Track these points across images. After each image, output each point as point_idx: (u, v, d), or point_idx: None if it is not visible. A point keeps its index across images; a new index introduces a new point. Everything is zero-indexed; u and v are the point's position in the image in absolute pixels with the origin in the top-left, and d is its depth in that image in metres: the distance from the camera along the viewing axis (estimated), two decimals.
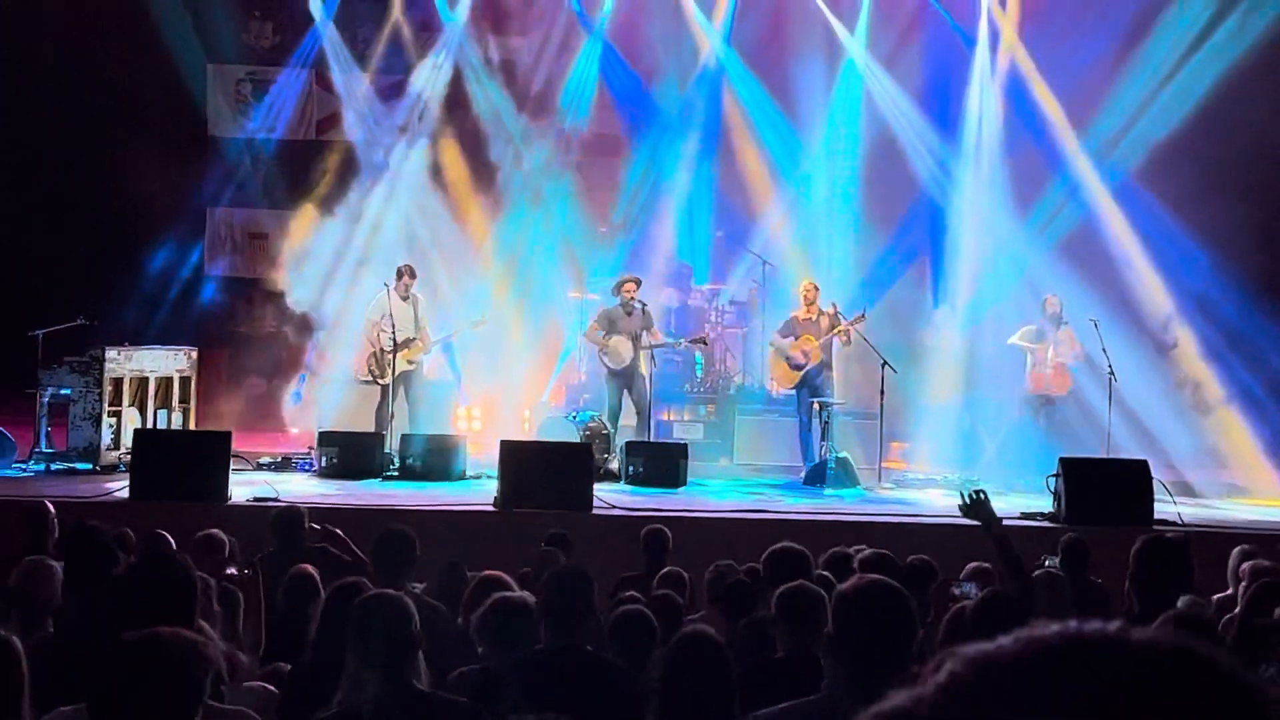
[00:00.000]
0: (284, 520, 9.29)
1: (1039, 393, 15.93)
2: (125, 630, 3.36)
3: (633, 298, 15.68)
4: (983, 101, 18.55)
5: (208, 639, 4.89)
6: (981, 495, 6.38)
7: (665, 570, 8.47)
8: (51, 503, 9.14)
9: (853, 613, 3.73)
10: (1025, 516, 12.92)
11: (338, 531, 9.74)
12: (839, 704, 3.72)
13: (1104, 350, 15.05)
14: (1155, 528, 11.07)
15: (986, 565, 8.60)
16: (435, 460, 14.35)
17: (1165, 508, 12.60)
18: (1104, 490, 12.54)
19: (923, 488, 15.27)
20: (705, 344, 17.44)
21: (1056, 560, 8.78)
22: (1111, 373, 14.96)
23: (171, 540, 7.79)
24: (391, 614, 4.57)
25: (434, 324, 16.30)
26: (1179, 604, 6.30)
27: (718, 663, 4.64)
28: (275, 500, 12.08)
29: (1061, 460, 12.92)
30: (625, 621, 5.75)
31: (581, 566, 6.08)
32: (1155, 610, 6.03)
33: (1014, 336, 16.15)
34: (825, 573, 7.51)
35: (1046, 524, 12.36)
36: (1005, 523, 12.48)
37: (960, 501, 6.38)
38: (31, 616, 5.93)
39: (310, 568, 7.56)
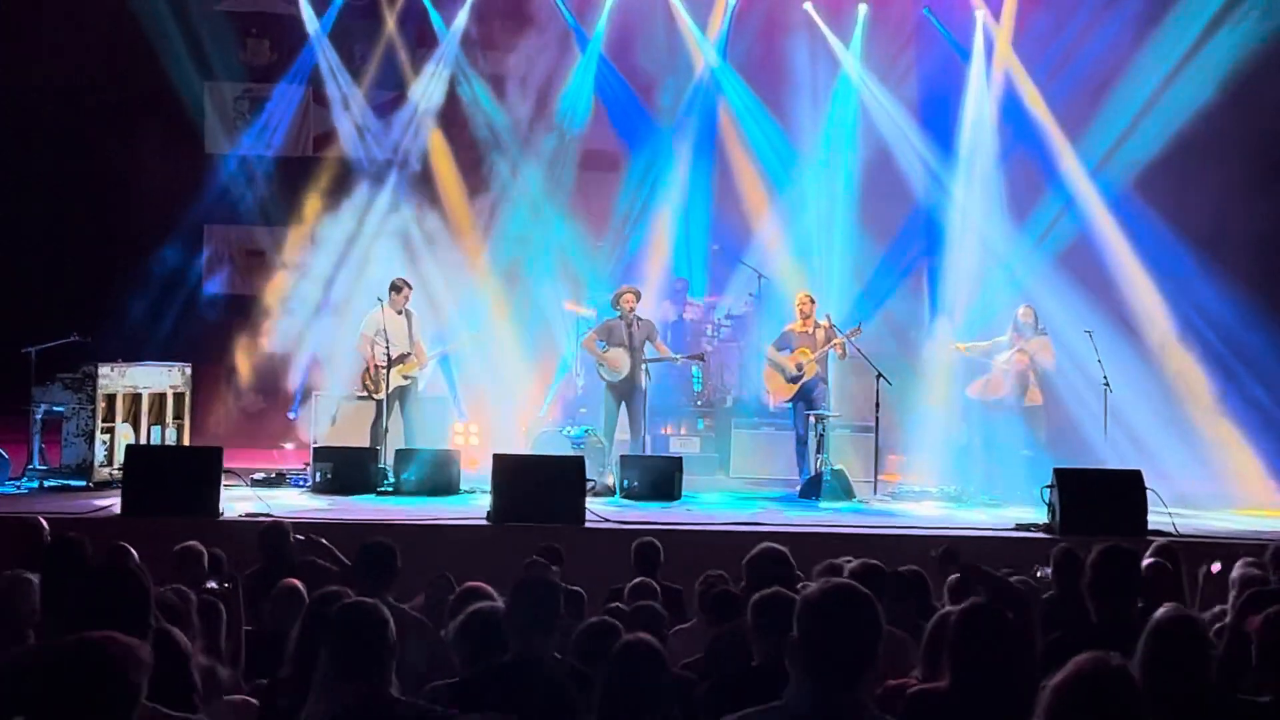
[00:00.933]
0: (270, 536, 9.28)
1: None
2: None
3: (632, 309, 15.67)
4: (978, 114, 18.54)
5: (183, 648, 4.87)
6: None
7: (636, 581, 8.43)
8: (44, 519, 9.12)
9: (815, 618, 3.70)
10: (1020, 528, 12.91)
11: (322, 541, 9.72)
12: (800, 711, 3.69)
13: (1099, 361, 15.01)
14: (1148, 537, 11.00)
15: (969, 574, 8.57)
16: (430, 475, 14.33)
17: (1160, 518, 12.58)
18: (1099, 501, 12.51)
19: (918, 500, 15.26)
20: (703, 360, 17.45)
21: (1049, 570, 8.72)
22: (1106, 383, 14.93)
23: (133, 552, 7.75)
24: (367, 622, 4.55)
25: (429, 339, 16.32)
26: (1164, 608, 6.27)
27: (652, 669, 4.64)
28: (267, 516, 12.07)
29: (1056, 471, 12.89)
30: (588, 632, 5.74)
31: (548, 576, 6.04)
32: (1114, 617, 6.01)
33: (974, 343, 16.24)
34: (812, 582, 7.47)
35: (1042, 535, 12.35)
36: (1000, 534, 12.58)
37: None
38: (11, 629, 5.92)
39: (297, 582, 7.53)
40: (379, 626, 4.52)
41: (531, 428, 17.10)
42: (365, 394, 15.76)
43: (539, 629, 5.46)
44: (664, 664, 4.74)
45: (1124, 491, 12.61)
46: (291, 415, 18.45)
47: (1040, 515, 12.93)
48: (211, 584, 7.18)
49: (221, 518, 12.15)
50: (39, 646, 3.44)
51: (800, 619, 3.73)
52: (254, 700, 5.80)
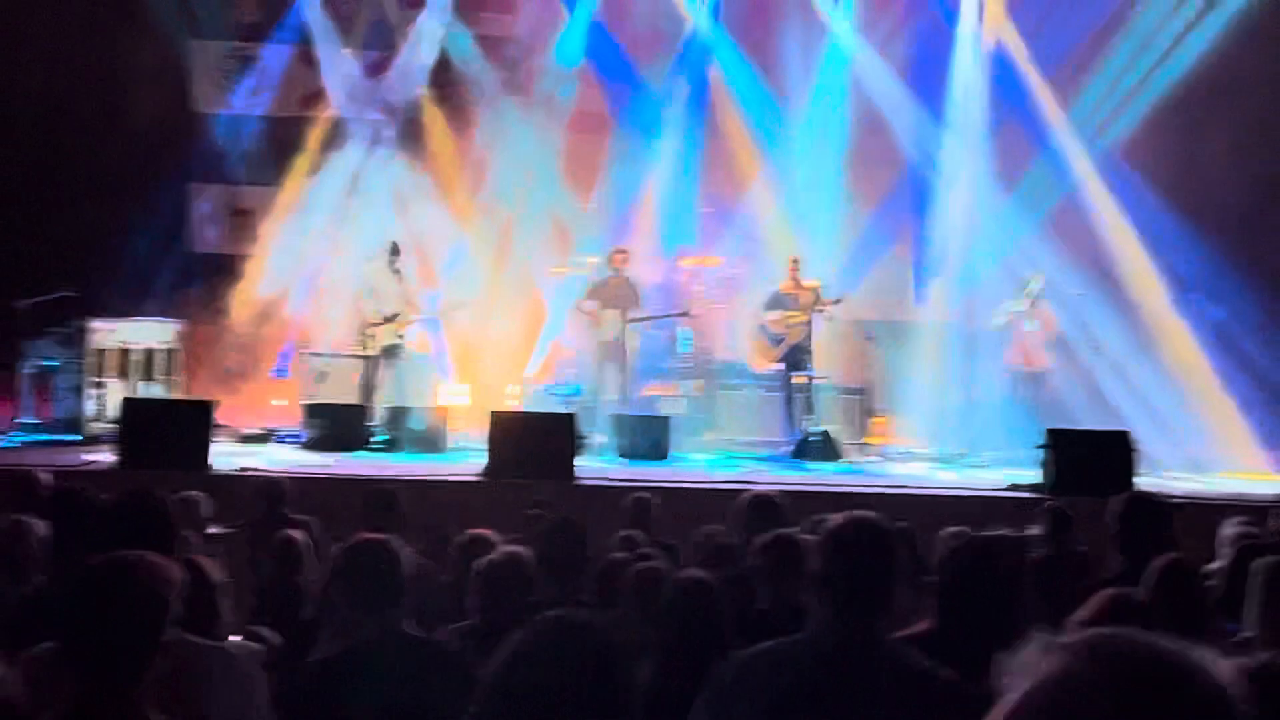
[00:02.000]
0: (267, 490, 9.32)
1: (1017, 365, 16.00)
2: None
3: (622, 269, 15.67)
4: (968, 77, 18.53)
5: (210, 578, 4.88)
6: None
7: (622, 533, 8.46)
8: (40, 471, 9.11)
9: (838, 550, 3.72)
10: (1014, 488, 12.95)
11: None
12: (823, 642, 3.71)
13: (1087, 323, 15.07)
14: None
15: (966, 529, 8.62)
16: (420, 433, 14.36)
17: (1151, 479, 12.63)
18: (1090, 461, 12.53)
19: (906, 461, 15.32)
20: (688, 315, 17.44)
21: (1040, 530, 8.77)
22: (1096, 345, 14.99)
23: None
24: (382, 557, 4.56)
25: (420, 298, 16.34)
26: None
27: (710, 605, 4.66)
28: (258, 470, 12.09)
29: (1049, 431, 12.93)
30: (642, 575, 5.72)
31: (575, 520, 6.06)
32: (1142, 568, 6.05)
33: (996, 318, 16.21)
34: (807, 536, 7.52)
35: (1034, 495, 12.38)
36: (993, 494, 12.62)
37: None
38: (15, 572, 5.92)
39: (295, 533, 7.56)
40: (392, 561, 4.55)
41: (520, 387, 17.12)
42: (355, 352, 15.77)
43: (570, 570, 5.49)
44: (721, 599, 4.76)
45: (1113, 451, 12.65)
46: (277, 374, 18.42)
47: (1034, 476, 12.97)
48: (214, 529, 7.20)
49: (212, 471, 12.13)
50: (75, 569, 3.43)
51: (822, 552, 3.75)
52: (255, 644, 5.82)
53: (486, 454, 12.68)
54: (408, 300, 15.78)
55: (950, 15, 18.71)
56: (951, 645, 4.24)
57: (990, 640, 4.46)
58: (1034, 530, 8.85)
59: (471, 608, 5.64)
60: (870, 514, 3.84)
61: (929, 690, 3.60)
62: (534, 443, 12.60)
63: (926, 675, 3.64)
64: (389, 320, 15.43)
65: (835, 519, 3.82)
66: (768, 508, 6.95)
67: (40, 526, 6.74)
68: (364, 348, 15.56)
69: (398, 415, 14.54)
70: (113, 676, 3.16)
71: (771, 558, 5.57)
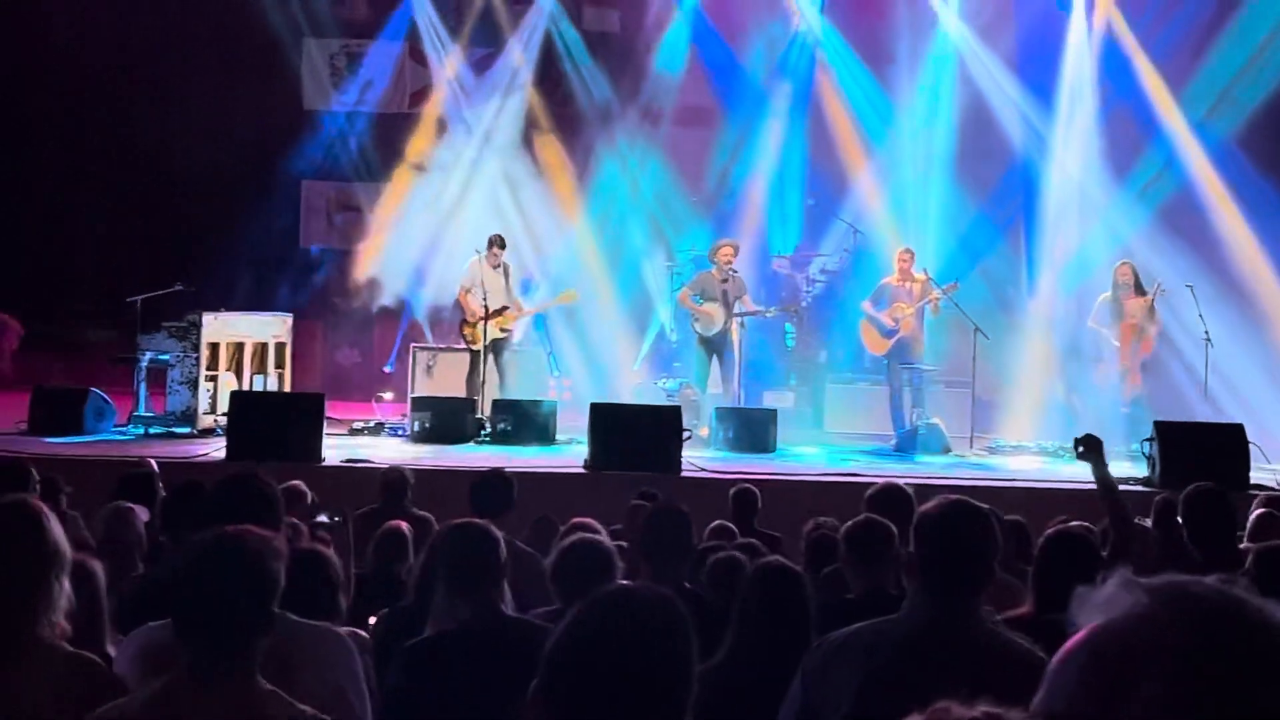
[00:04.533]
0: (391, 480, 9.40)
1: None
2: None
3: (729, 263, 15.62)
4: (1078, 66, 18.29)
5: (335, 572, 4.94)
6: (1095, 439, 6.44)
7: (713, 524, 8.44)
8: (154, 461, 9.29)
9: (935, 532, 3.71)
10: (1120, 481, 12.77)
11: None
12: (915, 623, 3.71)
13: (1200, 316, 14.83)
14: (1250, 491, 10.88)
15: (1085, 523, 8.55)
16: (526, 425, 14.40)
17: (1263, 474, 12.41)
18: (1199, 454, 12.31)
19: (1014, 454, 15.15)
20: (797, 313, 17.40)
21: (1149, 521, 8.65)
22: (1208, 338, 14.75)
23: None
24: (479, 539, 4.61)
25: (526, 294, 16.43)
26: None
27: (794, 589, 4.67)
28: (367, 462, 12.21)
29: (1156, 424, 12.76)
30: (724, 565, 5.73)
31: (679, 506, 6.07)
32: (1218, 557, 6.01)
33: (1091, 317, 15.92)
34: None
35: (1141, 488, 12.21)
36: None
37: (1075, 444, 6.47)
38: (121, 558, 6.04)
39: (403, 524, 7.60)
40: (490, 543, 4.59)
41: (626, 379, 17.20)
42: (464, 345, 15.89)
43: (673, 556, 5.49)
44: (805, 586, 4.76)
45: (1225, 445, 12.45)
46: (387, 369, 18.63)
47: (1141, 469, 12.81)
48: (323, 518, 7.28)
49: (324, 463, 12.27)
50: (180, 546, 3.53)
51: (919, 533, 3.75)
52: (360, 632, 5.88)
53: (588, 446, 12.73)
54: (512, 296, 15.84)
55: (1060, 2, 18.47)
56: (1048, 629, 4.23)
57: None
58: (1144, 522, 8.74)
59: (554, 592, 5.64)
60: (964, 497, 3.83)
61: (1024, 671, 3.58)
62: (639, 435, 12.63)
63: (1022, 656, 3.62)
64: (494, 315, 15.51)
65: (929, 503, 3.82)
66: (894, 500, 6.88)
67: (143, 512, 6.90)
68: (470, 341, 15.65)
69: (505, 408, 14.61)
70: (226, 649, 3.24)
71: (858, 545, 5.55)
